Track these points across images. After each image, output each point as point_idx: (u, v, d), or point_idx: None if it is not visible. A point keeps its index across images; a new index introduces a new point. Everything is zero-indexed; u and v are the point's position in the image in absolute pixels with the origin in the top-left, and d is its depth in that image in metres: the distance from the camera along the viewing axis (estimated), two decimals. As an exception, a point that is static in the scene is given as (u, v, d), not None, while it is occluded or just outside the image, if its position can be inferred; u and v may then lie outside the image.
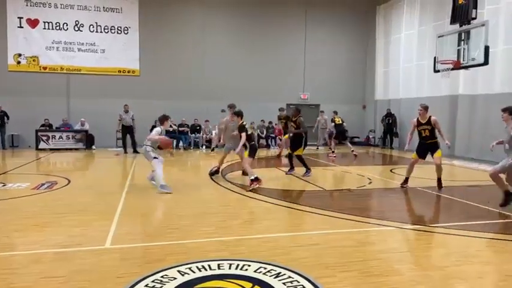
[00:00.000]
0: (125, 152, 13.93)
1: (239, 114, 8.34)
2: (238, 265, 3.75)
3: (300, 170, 9.50)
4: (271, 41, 18.77)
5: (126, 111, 14.35)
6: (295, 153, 9.42)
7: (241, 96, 16.19)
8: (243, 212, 6.33)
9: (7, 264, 3.84)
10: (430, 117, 7.72)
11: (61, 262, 3.91)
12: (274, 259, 3.93)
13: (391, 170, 10.96)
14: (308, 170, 9.34)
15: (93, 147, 16.10)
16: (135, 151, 14.16)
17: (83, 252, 4.17)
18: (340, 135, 13.93)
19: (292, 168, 9.66)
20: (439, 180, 7.85)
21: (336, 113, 14.43)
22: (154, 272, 3.57)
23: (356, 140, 18.84)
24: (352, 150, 13.78)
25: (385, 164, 13.60)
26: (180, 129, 17.02)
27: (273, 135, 17.90)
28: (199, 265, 3.74)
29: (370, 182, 8.86)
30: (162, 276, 3.49)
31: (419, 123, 7.81)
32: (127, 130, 14.34)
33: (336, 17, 19.49)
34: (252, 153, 8.17)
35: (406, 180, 8.11)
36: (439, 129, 7.75)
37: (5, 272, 3.62)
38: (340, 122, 13.95)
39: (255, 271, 3.63)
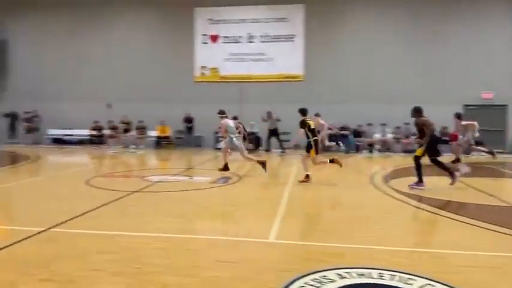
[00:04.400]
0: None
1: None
2: (401, 277, 3.52)
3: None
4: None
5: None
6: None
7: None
8: (406, 221, 5.91)
9: (190, 246, 4.49)
10: None
11: (232, 249, 4.35)
12: (443, 277, 3.54)
13: None
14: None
15: (260, 148, 17.42)
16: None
17: (249, 242, 4.55)
18: None
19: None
20: None
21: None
22: (313, 271, 3.64)
23: None
24: None
25: None
26: (341, 132, 16.94)
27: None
28: (360, 271, 3.65)
29: None
30: (321, 277, 3.54)
31: None
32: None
33: None
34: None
35: None
36: None
37: (188, 252, 4.23)
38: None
39: (420, 287, 3.34)
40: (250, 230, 5.08)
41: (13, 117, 18.89)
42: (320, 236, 4.89)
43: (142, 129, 18.00)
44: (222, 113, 10.58)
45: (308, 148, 8.75)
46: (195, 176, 9.72)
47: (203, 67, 18.88)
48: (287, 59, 18.25)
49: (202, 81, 18.77)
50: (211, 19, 18.75)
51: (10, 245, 4.29)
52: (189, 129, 18.14)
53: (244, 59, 18.62)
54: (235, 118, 15.05)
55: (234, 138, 9.90)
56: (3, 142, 18.50)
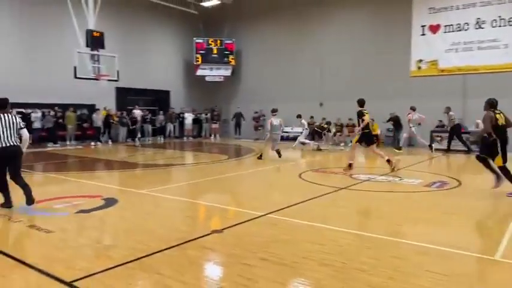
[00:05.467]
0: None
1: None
2: None
3: None
4: None
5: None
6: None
7: None
8: None
9: (398, 249, 4.28)
10: None
11: (445, 261, 3.91)
12: None
13: None
14: None
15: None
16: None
17: (468, 257, 4.01)
18: None
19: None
20: None
21: None
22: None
23: None
24: None
25: None
26: None
27: None
28: None
29: None
30: None
31: None
32: None
33: None
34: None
35: None
36: None
37: (396, 256, 4.04)
38: None
39: None
40: (471, 242, 4.46)
41: (238, 117, 22.42)
42: None
43: (352, 127, 18.16)
44: (273, 111, 12.55)
45: (361, 140, 9.58)
46: (405, 177, 9.18)
47: (419, 61, 17.56)
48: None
49: (418, 76, 17.51)
50: (432, 8, 17.18)
51: (236, 224, 5.08)
52: (397, 128, 17.18)
53: (470, 48, 16.36)
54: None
55: (269, 134, 12.44)
56: (232, 137, 22.27)
